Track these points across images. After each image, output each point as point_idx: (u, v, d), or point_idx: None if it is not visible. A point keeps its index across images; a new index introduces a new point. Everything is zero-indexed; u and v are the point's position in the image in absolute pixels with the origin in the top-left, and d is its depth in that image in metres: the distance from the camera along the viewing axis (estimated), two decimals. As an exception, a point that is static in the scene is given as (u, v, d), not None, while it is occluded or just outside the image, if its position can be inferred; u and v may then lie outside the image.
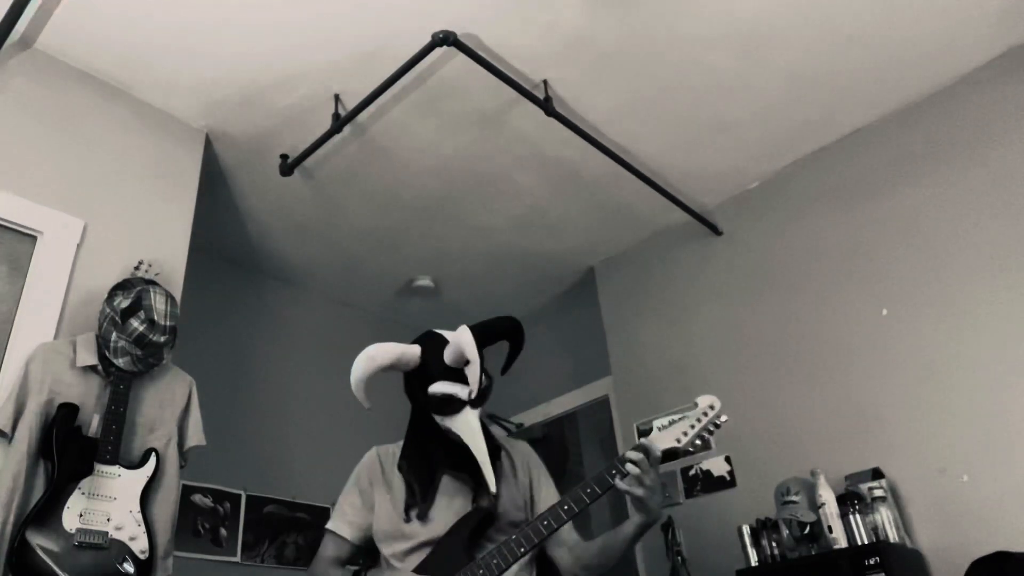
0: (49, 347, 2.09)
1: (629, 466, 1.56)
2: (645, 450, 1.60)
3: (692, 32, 2.59)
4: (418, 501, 1.75)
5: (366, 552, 1.87)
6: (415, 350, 1.77)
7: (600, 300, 3.93)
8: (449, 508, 1.74)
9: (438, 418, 1.76)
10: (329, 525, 1.87)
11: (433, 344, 1.77)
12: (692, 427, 1.65)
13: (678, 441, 1.64)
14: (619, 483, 1.57)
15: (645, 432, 1.69)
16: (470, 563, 1.61)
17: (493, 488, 1.67)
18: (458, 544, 1.66)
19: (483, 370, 1.76)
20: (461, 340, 1.72)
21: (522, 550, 1.60)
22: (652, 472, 1.57)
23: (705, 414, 1.67)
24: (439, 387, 1.73)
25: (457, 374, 1.74)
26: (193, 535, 3.09)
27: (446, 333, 1.78)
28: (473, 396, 1.73)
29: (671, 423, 1.66)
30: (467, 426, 1.72)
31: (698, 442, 1.66)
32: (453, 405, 1.73)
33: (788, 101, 2.95)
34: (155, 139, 2.72)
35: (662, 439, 1.64)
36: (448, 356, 1.73)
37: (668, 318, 3.57)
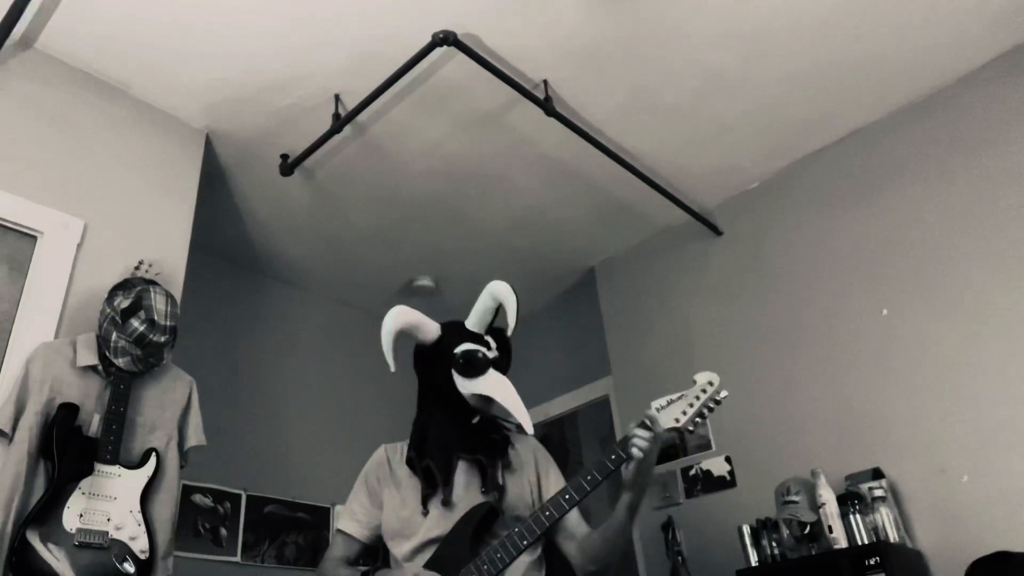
0: (49, 347, 2.09)
1: (636, 442, 1.56)
2: (649, 428, 1.59)
3: (692, 32, 2.59)
4: (440, 485, 1.73)
5: (375, 552, 1.87)
6: (436, 325, 1.87)
7: (600, 300, 3.93)
8: (466, 494, 1.73)
9: (463, 382, 1.79)
10: (338, 525, 1.87)
11: (453, 324, 1.87)
12: (691, 405, 1.61)
13: (677, 420, 1.60)
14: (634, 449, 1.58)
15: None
16: (475, 559, 1.61)
17: (529, 429, 1.73)
18: (463, 541, 1.65)
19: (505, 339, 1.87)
20: (499, 286, 1.84)
21: (525, 542, 1.60)
22: (654, 453, 1.58)
23: (704, 391, 1.62)
24: (466, 345, 1.80)
25: (478, 339, 1.82)
26: (193, 535, 3.09)
27: None
28: (492, 356, 1.80)
29: (669, 403, 1.63)
30: (497, 383, 1.77)
31: (699, 420, 1.61)
32: (478, 366, 1.77)
33: (788, 101, 2.95)
34: (155, 139, 2.72)
35: (661, 419, 1.61)
36: (485, 301, 1.85)
37: (668, 318, 3.57)
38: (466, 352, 1.80)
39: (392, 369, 1.85)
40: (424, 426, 1.84)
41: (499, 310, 1.88)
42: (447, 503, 1.72)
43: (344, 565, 1.83)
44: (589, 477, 1.60)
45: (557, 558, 1.78)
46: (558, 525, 1.69)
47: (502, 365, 1.83)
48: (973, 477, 2.47)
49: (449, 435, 1.79)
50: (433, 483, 1.75)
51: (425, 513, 1.73)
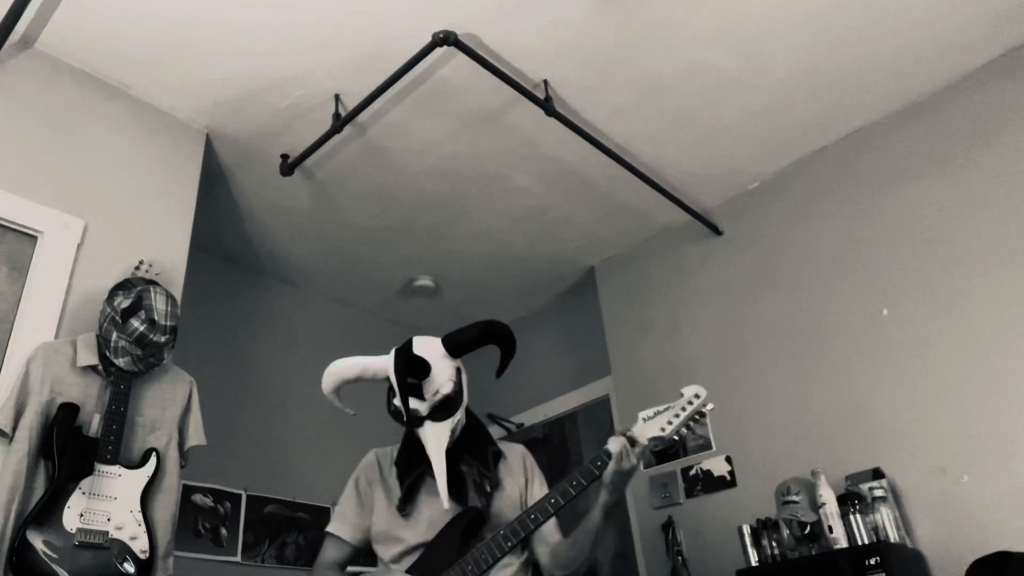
0: (50, 347, 2.09)
1: (610, 441, 1.62)
2: (629, 438, 1.65)
3: (692, 32, 2.59)
4: (404, 498, 1.77)
5: (366, 556, 1.88)
6: (381, 363, 1.78)
7: (600, 300, 3.93)
8: (429, 508, 1.76)
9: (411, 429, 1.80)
10: (329, 528, 1.87)
11: (395, 364, 1.77)
12: (677, 416, 1.68)
13: (663, 430, 1.67)
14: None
15: None
16: (460, 560, 1.63)
17: (446, 504, 1.68)
18: (450, 545, 1.67)
19: (456, 383, 1.77)
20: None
21: (509, 544, 1.62)
22: (633, 457, 1.62)
23: (690, 403, 1.70)
24: (396, 402, 1.77)
25: (416, 389, 1.74)
26: (194, 535, 3.09)
27: (416, 341, 1.81)
28: (424, 412, 1.74)
29: (656, 414, 1.69)
30: (427, 439, 1.74)
31: (684, 431, 1.69)
32: (414, 420, 1.75)
33: (788, 101, 2.95)
34: (155, 139, 2.71)
35: (646, 429, 1.67)
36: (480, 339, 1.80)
37: (668, 318, 3.57)
38: (395, 412, 1.79)
39: (352, 413, 1.86)
40: (406, 438, 1.86)
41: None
42: (406, 515, 1.76)
43: (335, 569, 1.84)
44: (575, 483, 1.64)
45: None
46: (535, 531, 1.70)
47: (443, 410, 1.75)
48: (973, 477, 2.47)
49: (421, 452, 1.79)
50: (417, 490, 1.78)
51: (413, 519, 1.75)
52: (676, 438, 1.68)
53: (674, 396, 1.74)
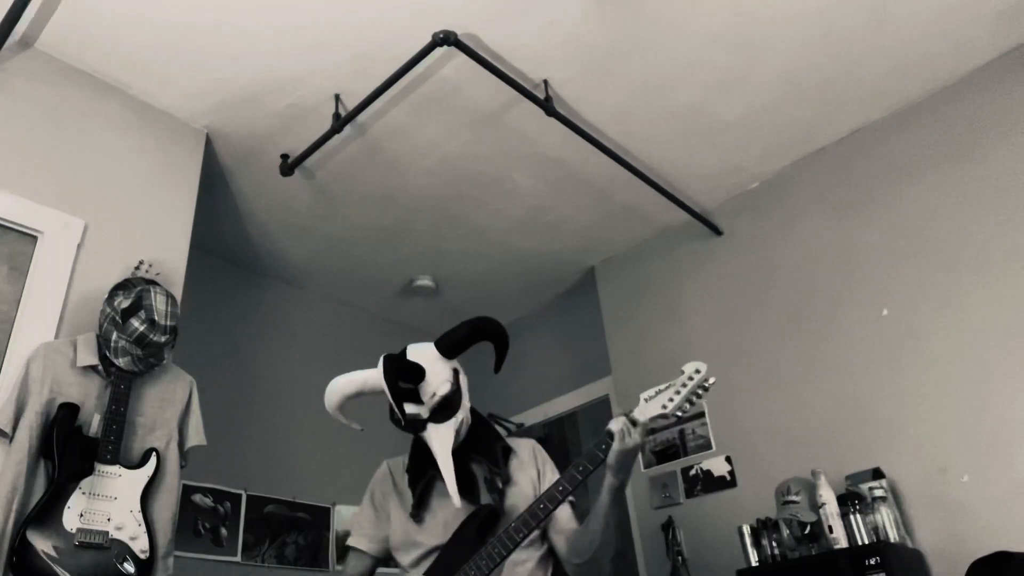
0: (50, 347, 2.09)
1: (611, 423, 1.63)
2: (630, 419, 1.66)
3: (692, 32, 2.59)
4: (440, 496, 1.78)
5: (388, 564, 1.90)
6: (379, 374, 1.78)
7: (600, 300, 3.93)
8: (443, 511, 1.76)
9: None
10: (349, 542, 1.90)
11: (386, 375, 1.77)
12: (678, 392, 1.68)
13: (664, 407, 1.67)
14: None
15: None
16: (474, 556, 1.63)
17: (457, 503, 1.68)
18: (465, 544, 1.67)
19: (453, 383, 1.78)
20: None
21: (521, 535, 1.62)
22: (635, 435, 1.62)
23: (691, 379, 1.70)
24: (396, 413, 1.77)
25: (413, 394, 1.75)
26: (194, 535, 3.08)
27: (410, 349, 1.82)
28: (425, 416, 1.75)
29: (657, 392, 1.70)
30: (431, 441, 1.75)
31: (687, 406, 1.68)
32: (416, 425, 1.76)
33: (788, 101, 2.95)
34: (155, 139, 2.71)
35: (649, 409, 1.68)
36: (473, 336, 1.81)
37: (668, 318, 3.57)
38: (396, 421, 1.79)
39: (360, 429, 1.87)
40: (414, 445, 1.87)
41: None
42: (419, 521, 1.77)
43: None
44: (581, 468, 1.64)
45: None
46: (551, 520, 1.70)
47: (443, 411, 1.76)
48: (973, 477, 2.47)
49: (429, 456, 1.80)
50: (430, 494, 1.79)
51: (428, 523, 1.77)
52: (680, 414, 1.69)
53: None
